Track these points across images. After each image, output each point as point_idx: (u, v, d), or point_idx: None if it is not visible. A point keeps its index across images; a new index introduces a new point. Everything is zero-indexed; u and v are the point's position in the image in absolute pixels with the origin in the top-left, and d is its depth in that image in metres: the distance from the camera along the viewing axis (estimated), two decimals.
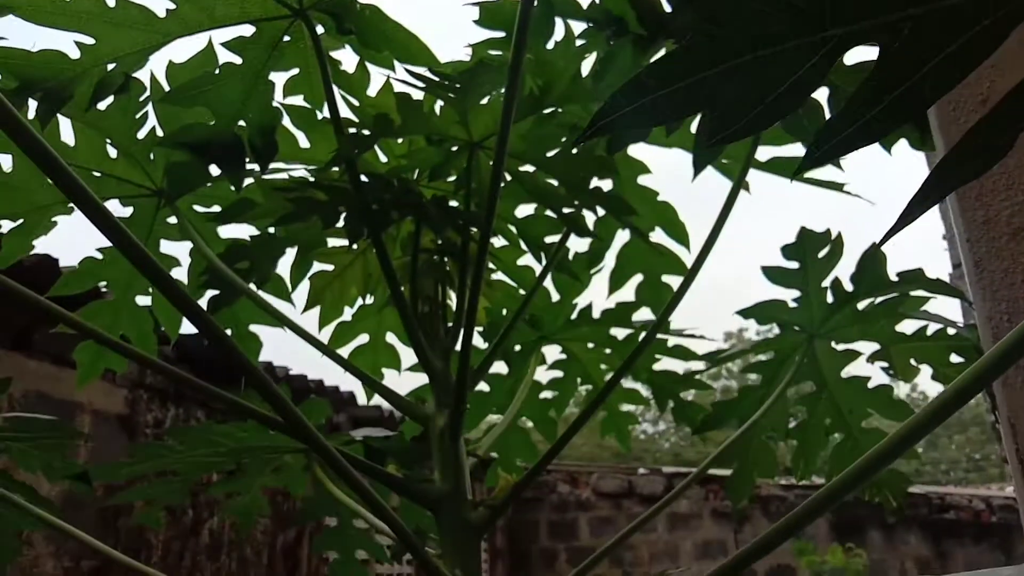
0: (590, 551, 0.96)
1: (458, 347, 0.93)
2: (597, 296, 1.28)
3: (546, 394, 1.38)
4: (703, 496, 7.53)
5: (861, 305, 1.07)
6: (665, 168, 1.23)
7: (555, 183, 1.00)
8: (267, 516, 4.22)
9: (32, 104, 0.90)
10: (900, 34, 0.27)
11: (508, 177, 1.02)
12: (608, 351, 1.32)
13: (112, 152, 1.05)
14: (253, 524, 1.30)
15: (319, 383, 4.67)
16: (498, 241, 1.21)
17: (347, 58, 1.03)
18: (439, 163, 1.01)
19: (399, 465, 1.04)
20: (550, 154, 0.97)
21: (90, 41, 0.87)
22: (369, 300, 1.23)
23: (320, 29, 0.95)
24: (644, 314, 1.24)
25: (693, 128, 1.02)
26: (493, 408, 1.35)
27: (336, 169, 1.03)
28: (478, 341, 1.25)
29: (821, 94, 0.94)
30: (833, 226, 1.06)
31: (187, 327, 1.21)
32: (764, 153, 1.04)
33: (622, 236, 1.20)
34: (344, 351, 1.24)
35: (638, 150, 1.12)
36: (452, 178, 1.08)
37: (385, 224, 1.02)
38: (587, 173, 0.94)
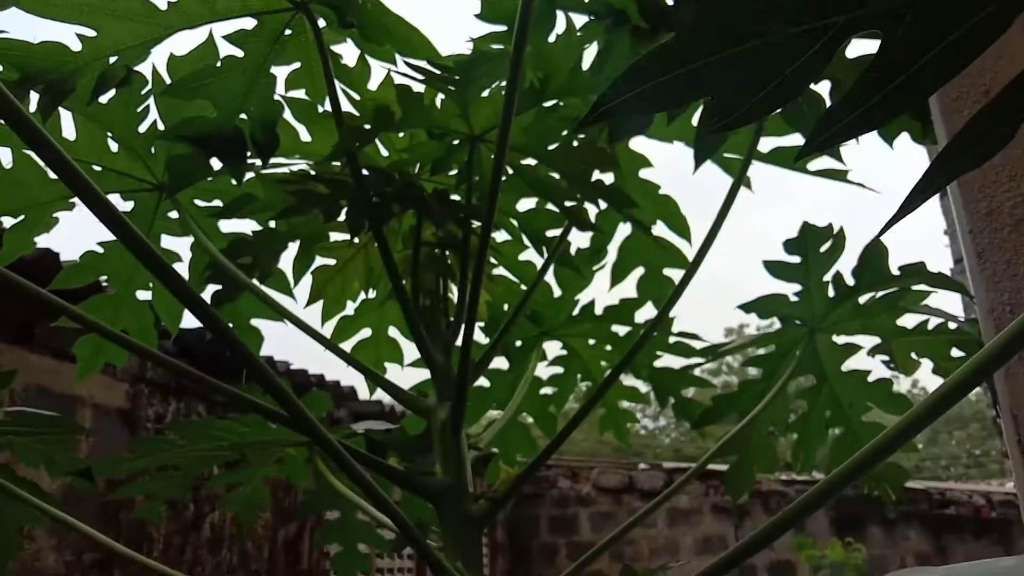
0: (590, 546, 0.96)
1: (459, 341, 0.93)
2: (599, 293, 1.29)
3: (546, 390, 1.38)
4: (703, 491, 7.54)
5: (862, 299, 1.07)
6: (666, 162, 1.23)
7: (557, 176, 1.00)
8: (268, 511, 4.23)
9: (33, 97, 0.90)
10: (902, 21, 0.27)
11: (510, 171, 1.02)
12: (609, 348, 1.32)
13: (113, 146, 1.05)
14: (255, 516, 1.30)
15: (320, 378, 4.68)
16: (500, 236, 1.21)
17: (348, 52, 1.03)
18: (440, 156, 1.01)
19: (400, 458, 1.04)
20: (551, 147, 0.96)
21: (91, 33, 0.87)
22: (371, 294, 1.23)
23: (322, 22, 0.95)
24: (647, 311, 1.24)
25: (694, 121, 1.02)
26: (493, 403, 1.36)
27: (337, 163, 1.03)
28: (479, 336, 1.25)
29: (823, 87, 0.94)
30: (835, 221, 1.06)
31: (186, 322, 1.21)
32: (766, 144, 1.04)
33: (623, 230, 1.20)
34: (346, 345, 1.25)
35: (639, 144, 1.12)
36: (454, 172, 1.08)
37: (386, 217, 1.02)
38: (588, 166, 0.94)
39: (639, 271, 1.22)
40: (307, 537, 4.57)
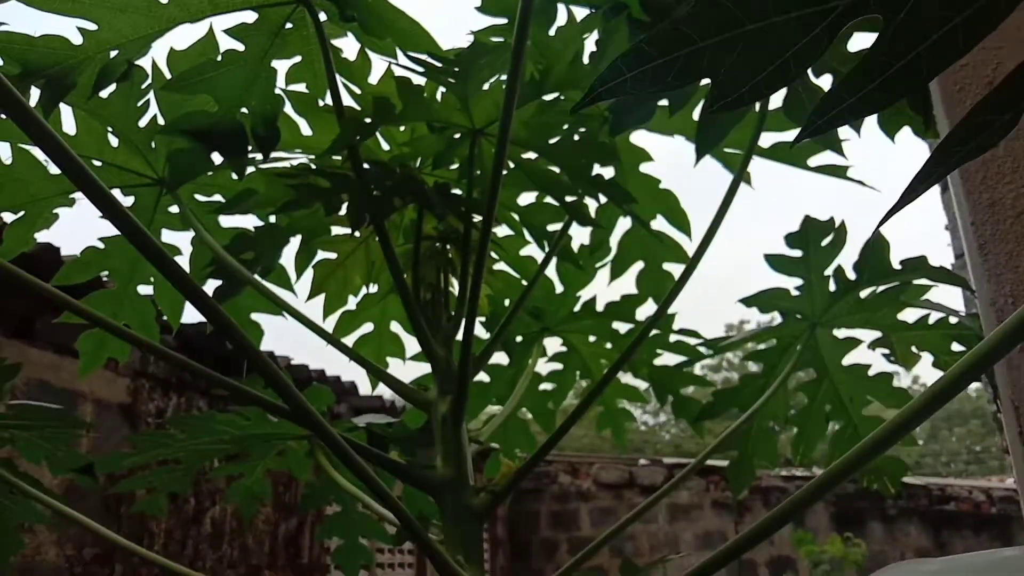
0: (591, 541, 0.96)
1: (460, 335, 0.93)
2: (601, 290, 1.29)
3: (545, 386, 1.38)
4: (704, 487, 7.55)
5: (863, 293, 1.07)
6: (667, 158, 1.23)
7: (557, 170, 0.99)
8: (268, 505, 4.24)
9: (34, 93, 0.90)
10: (903, 6, 0.27)
11: (511, 165, 1.02)
12: (609, 345, 1.32)
13: (113, 141, 1.05)
14: (256, 508, 1.30)
15: (320, 373, 4.68)
16: (501, 230, 1.21)
17: (348, 46, 1.03)
18: (441, 150, 1.01)
19: (401, 452, 1.05)
20: (552, 141, 0.96)
21: (92, 27, 0.86)
22: (373, 289, 1.23)
23: (322, 16, 0.95)
24: (648, 309, 1.24)
25: (695, 115, 1.02)
26: (493, 398, 1.36)
27: (338, 158, 1.03)
28: (480, 331, 1.26)
29: (825, 81, 0.94)
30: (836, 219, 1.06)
31: (187, 317, 1.21)
32: (767, 140, 1.04)
33: (623, 225, 1.20)
34: (348, 340, 1.25)
35: (640, 138, 1.12)
36: (455, 166, 1.08)
37: (387, 211, 1.02)
38: (589, 160, 0.94)
39: (638, 266, 1.22)
40: (308, 532, 4.58)
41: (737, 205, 0.98)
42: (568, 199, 1.01)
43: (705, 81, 0.31)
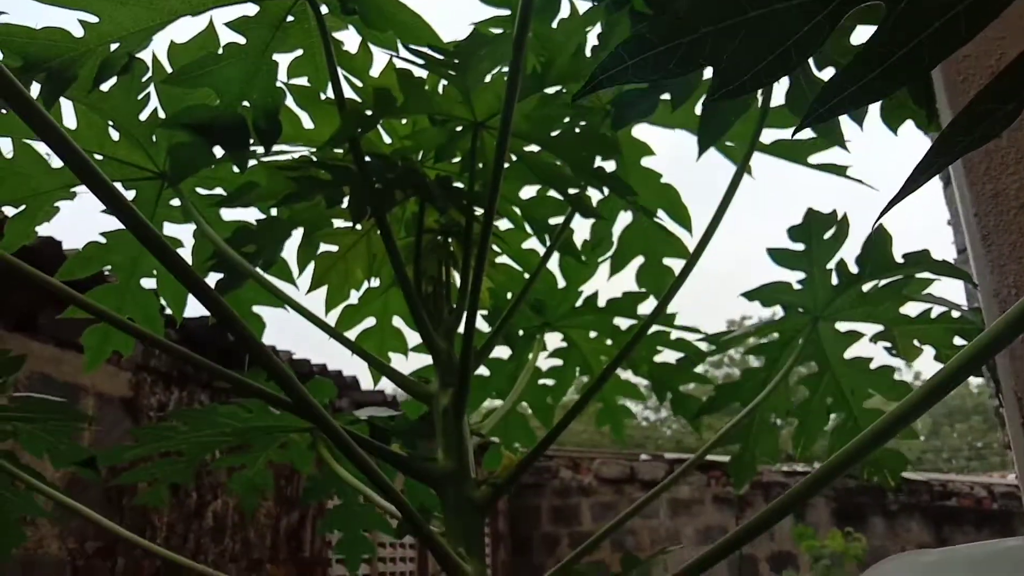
0: (592, 536, 0.97)
1: (462, 328, 0.93)
2: (603, 286, 1.29)
3: (545, 381, 1.38)
4: (705, 482, 7.56)
5: (866, 287, 1.07)
6: (666, 151, 1.22)
7: (559, 163, 0.99)
8: (270, 499, 4.25)
9: (34, 88, 0.89)
10: None
11: (513, 158, 1.02)
12: (609, 342, 1.32)
13: (114, 134, 1.05)
14: (257, 500, 1.31)
15: (322, 367, 4.69)
16: (503, 224, 1.21)
17: (350, 39, 1.03)
18: (443, 143, 1.01)
19: (403, 444, 1.05)
20: (554, 134, 0.96)
21: (94, 19, 0.86)
22: (375, 283, 1.23)
23: (324, 9, 0.94)
24: (650, 306, 1.24)
25: (697, 110, 1.02)
26: (493, 392, 1.36)
27: (340, 151, 1.03)
28: (482, 325, 1.26)
29: (828, 75, 0.93)
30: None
31: (189, 311, 1.21)
32: (768, 137, 1.04)
33: (624, 220, 1.20)
34: (350, 334, 1.25)
35: (640, 131, 1.12)
36: (456, 159, 1.08)
37: (389, 204, 1.02)
38: (591, 152, 0.94)
39: (639, 261, 1.22)
40: (309, 525, 4.59)
41: (736, 200, 0.98)
42: (570, 191, 1.01)
43: (707, 75, 0.31)
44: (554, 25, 0.91)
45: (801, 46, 0.29)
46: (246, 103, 0.97)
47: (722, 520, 7.45)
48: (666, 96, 0.94)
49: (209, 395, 3.93)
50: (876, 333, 1.13)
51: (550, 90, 0.94)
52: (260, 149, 1.01)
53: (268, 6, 0.93)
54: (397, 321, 1.28)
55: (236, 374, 0.87)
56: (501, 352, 1.34)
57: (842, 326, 1.14)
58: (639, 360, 1.28)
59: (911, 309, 1.09)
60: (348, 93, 0.97)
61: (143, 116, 1.02)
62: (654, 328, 1.21)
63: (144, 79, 0.98)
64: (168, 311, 1.20)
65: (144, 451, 1.12)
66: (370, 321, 1.27)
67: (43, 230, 1.13)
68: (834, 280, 1.07)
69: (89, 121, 1.03)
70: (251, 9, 0.93)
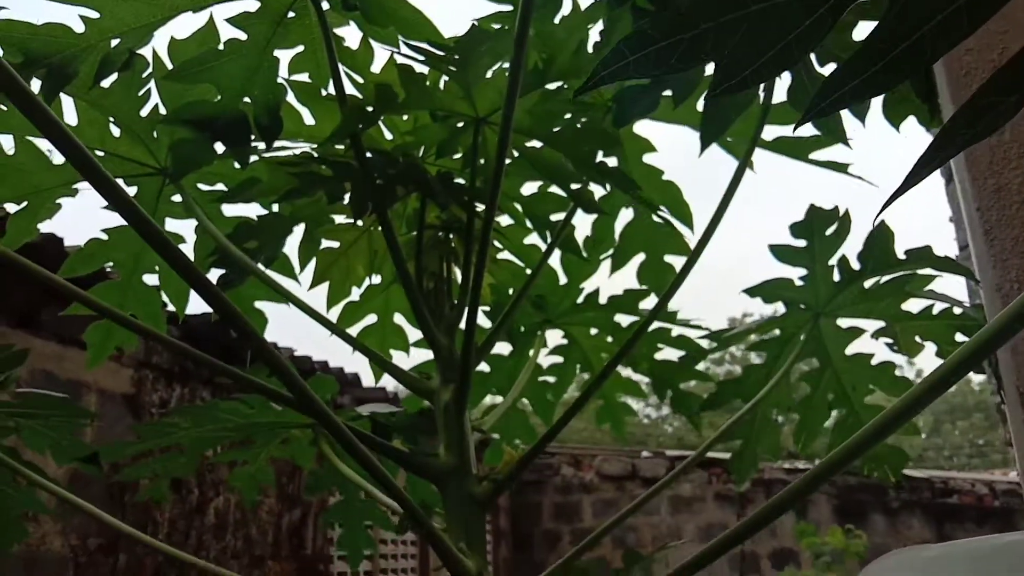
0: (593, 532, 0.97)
1: (463, 323, 0.93)
2: (605, 284, 1.29)
3: (545, 378, 1.38)
4: (706, 480, 7.56)
5: (868, 283, 1.07)
6: (666, 147, 1.22)
7: (562, 158, 0.99)
8: (272, 496, 4.26)
9: (34, 85, 0.89)
10: None
11: (515, 153, 1.02)
12: (610, 339, 1.32)
13: (115, 131, 1.05)
14: (258, 495, 1.31)
15: (323, 364, 4.69)
16: (505, 220, 1.21)
17: (351, 35, 1.03)
18: (445, 139, 1.01)
19: (404, 440, 1.05)
20: (556, 129, 0.96)
21: (95, 15, 0.86)
22: (376, 280, 1.23)
23: (325, 5, 0.94)
24: (651, 303, 1.24)
25: (699, 106, 1.02)
26: (493, 388, 1.36)
27: (341, 147, 1.03)
28: (483, 321, 1.26)
29: (829, 71, 0.93)
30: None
31: (190, 308, 1.21)
32: (770, 133, 1.04)
33: (625, 216, 1.20)
34: (351, 332, 1.25)
35: (641, 128, 1.11)
36: (458, 155, 1.08)
37: (390, 200, 1.02)
38: (593, 147, 0.93)
39: (640, 258, 1.22)
40: (311, 523, 4.60)
41: (737, 196, 0.97)
42: (572, 187, 1.01)
43: (709, 71, 0.31)
44: (556, 21, 0.91)
45: (803, 40, 0.28)
46: (247, 99, 0.97)
47: (723, 517, 7.45)
48: (668, 92, 0.94)
49: (211, 392, 3.94)
50: (878, 329, 1.13)
51: (551, 86, 0.94)
52: (261, 145, 1.01)
53: (269, 2, 0.93)
54: (398, 319, 1.28)
55: (238, 370, 0.87)
56: (501, 348, 1.34)
57: (843, 322, 1.14)
58: (639, 357, 1.28)
59: (913, 305, 1.09)
60: (349, 89, 0.97)
61: (144, 112, 1.02)
62: (655, 325, 1.21)
63: (145, 75, 0.98)
64: (170, 307, 1.20)
65: (146, 447, 1.12)
66: (371, 318, 1.27)
67: (44, 227, 1.13)
68: (836, 276, 1.07)
69: (90, 118, 1.03)
70: (252, 5, 0.93)
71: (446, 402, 0.93)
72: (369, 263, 1.19)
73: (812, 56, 0.88)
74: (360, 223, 1.14)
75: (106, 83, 0.95)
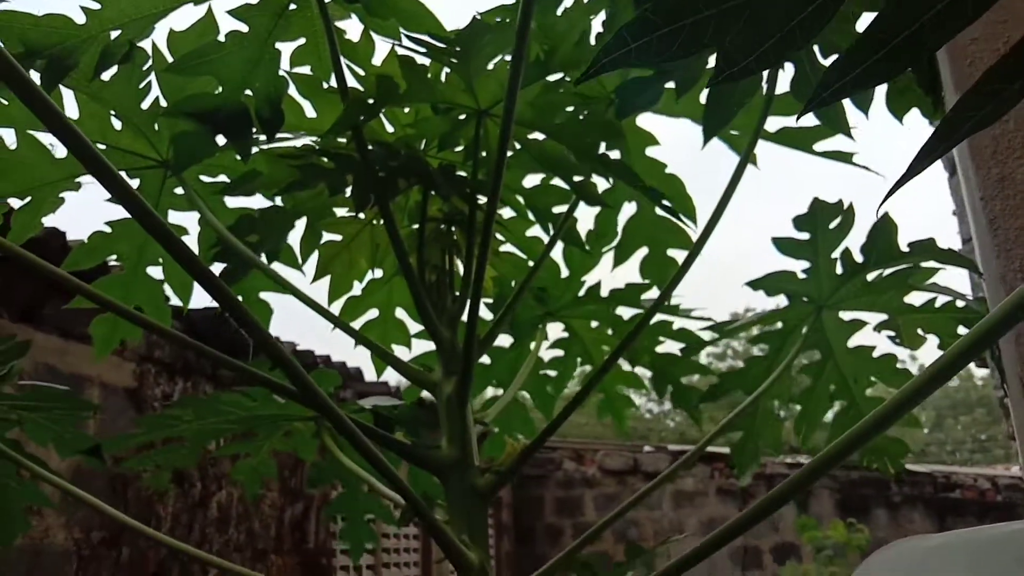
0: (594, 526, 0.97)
1: (465, 316, 0.93)
2: (608, 278, 1.28)
3: (546, 371, 1.38)
4: (708, 474, 7.56)
5: (871, 276, 1.07)
6: (668, 139, 1.22)
7: (564, 150, 0.99)
8: (275, 490, 4.27)
9: (34, 78, 0.89)
10: None
11: (517, 146, 1.02)
12: (611, 332, 1.32)
13: (116, 124, 1.05)
14: (260, 487, 1.31)
15: (326, 358, 4.70)
16: (507, 213, 1.21)
17: (352, 27, 1.03)
18: (446, 131, 1.01)
19: (406, 432, 1.05)
20: (558, 121, 0.96)
21: (96, 6, 0.86)
22: (378, 274, 1.23)
23: None
24: (653, 296, 1.24)
25: (702, 99, 1.01)
26: (493, 381, 1.36)
27: (343, 140, 1.03)
28: (485, 313, 1.26)
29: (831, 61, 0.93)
30: None
31: (192, 302, 1.21)
32: (773, 125, 1.03)
33: (627, 210, 1.20)
34: (353, 326, 1.25)
35: (644, 121, 1.11)
36: (460, 147, 1.08)
37: (392, 193, 1.02)
38: (595, 139, 0.93)
39: (642, 252, 1.21)
40: (314, 516, 4.61)
41: (739, 190, 0.97)
42: (575, 179, 1.01)
43: (711, 64, 0.31)
44: (558, 13, 0.91)
45: (805, 27, 0.28)
46: (249, 92, 0.97)
47: (726, 512, 7.46)
48: (670, 85, 0.93)
49: (213, 386, 3.94)
50: (880, 322, 1.13)
51: (553, 77, 0.94)
52: (263, 137, 1.01)
53: None
54: (400, 313, 1.28)
55: (241, 363, 0.87)
56: (502, 340, 1.34)
57: (846, 315, 1.14)
58: (640, 351, 1.28)
59: (916, 298, 1.09)
60: (351, 82, 0.97)
61: (145, 105, 1.02)
62: (656, 318, 1.20)
63: (145, 67, 0.98)
64: (174, 301, 1.21)
65: (149, 438, 1.12)
66: (373, 313, 1.27)
67: (47, 221, 1.13)
68: (839, 269, 1.07)
69: (91, 110, 1.03)
70: None
71: (448, 394, 0.93)
72: (371, 256, 1.19)
73: (816, 48, 0.88)
74: (362, 216, 1.14)
75: (106, 76, 0.95)
